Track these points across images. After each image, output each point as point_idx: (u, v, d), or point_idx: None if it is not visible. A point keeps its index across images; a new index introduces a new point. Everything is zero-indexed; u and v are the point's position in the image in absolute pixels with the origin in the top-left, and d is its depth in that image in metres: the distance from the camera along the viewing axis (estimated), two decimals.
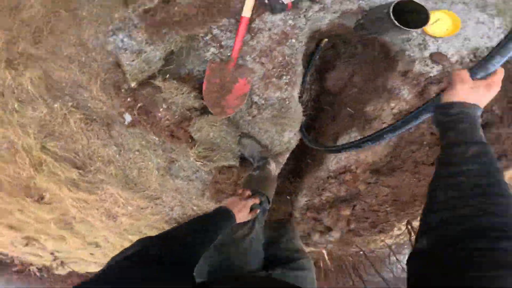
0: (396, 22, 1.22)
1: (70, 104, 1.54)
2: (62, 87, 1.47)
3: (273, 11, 1.42)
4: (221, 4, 1.36)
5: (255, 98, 1.63)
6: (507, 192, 0.47)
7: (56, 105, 1.53)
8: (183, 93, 1.53)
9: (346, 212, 1.95)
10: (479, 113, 0.63)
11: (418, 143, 1.73)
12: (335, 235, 2.15)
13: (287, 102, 1.61)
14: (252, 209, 1.10)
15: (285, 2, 1.37)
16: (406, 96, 1.55)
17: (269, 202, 1.42)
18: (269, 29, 1.48)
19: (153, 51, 1.40)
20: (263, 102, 1.64)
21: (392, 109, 1.59)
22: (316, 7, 1.46)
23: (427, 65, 1.48)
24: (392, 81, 1.54)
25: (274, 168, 1.67)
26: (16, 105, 1.46)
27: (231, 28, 1.46)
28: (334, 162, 1.86)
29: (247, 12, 1.40)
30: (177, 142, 1.65)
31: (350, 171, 1.79)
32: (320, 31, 1.55)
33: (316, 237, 2.24)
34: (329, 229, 2.16)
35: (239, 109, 1.60)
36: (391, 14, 1.21)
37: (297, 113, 1.65)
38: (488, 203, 0.45)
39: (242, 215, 1.04)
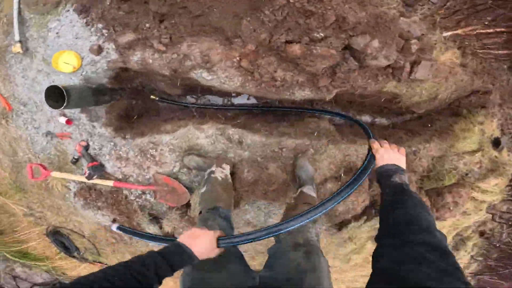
0: (48, 102, 1.81)
1: None
2: None
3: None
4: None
5: (175, 169, 2.22)
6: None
7: None
8: (173, 214, 2.34)
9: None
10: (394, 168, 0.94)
11: None
12: None
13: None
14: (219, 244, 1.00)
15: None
16: None
17: (226, 210, 1.57)
18: (126, 161, 2.21)
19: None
20: (174, 163, 2.21)
21: None
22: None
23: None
24: None
25: (221, 172, 1.87)
26: None
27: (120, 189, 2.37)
28: None
29: (108, 182, 2.25)
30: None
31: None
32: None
33: None
34: None
35: (183, 184, 2.21)
36: (46, 98, 1.79)
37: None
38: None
39: (203, 248, 0.93)
